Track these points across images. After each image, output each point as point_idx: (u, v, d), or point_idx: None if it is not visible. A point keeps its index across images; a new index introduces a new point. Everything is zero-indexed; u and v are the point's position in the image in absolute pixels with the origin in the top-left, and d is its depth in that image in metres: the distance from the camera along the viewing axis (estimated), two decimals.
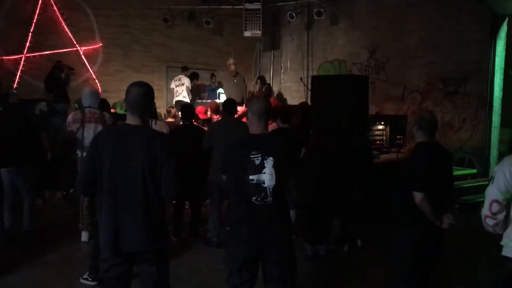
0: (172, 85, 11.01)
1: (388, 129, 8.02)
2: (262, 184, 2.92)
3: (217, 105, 7.82)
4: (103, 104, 5.72)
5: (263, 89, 10.96)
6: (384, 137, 8.04)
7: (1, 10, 10.12)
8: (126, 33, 11.78)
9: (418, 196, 3.27)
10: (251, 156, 2.93)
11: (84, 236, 5.60)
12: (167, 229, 3.04)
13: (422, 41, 9.74)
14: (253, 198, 2.93)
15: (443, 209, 3.39)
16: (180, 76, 10.99)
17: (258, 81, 11.45)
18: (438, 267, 3.58)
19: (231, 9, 11.99)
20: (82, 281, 4.41)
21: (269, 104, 3.20)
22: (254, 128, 3.08)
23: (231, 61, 10.56)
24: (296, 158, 3.27)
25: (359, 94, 6.91)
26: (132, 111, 2.83)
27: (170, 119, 9.19)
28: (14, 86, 10.04)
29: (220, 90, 11.25)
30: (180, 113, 6.84)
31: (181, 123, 6.33)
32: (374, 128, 7.95)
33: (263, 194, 2.93)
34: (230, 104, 5.67)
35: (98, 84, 11.17)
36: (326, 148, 5.39)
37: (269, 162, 2.92)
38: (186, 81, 10.86)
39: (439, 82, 9.51)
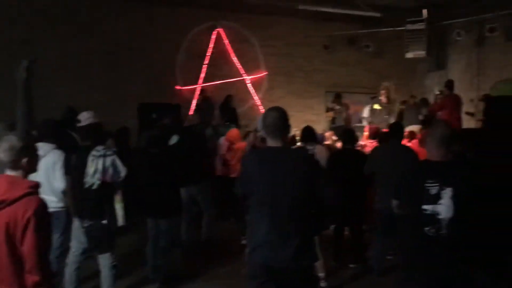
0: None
1: None
2: (437, 216, 2.76)
3: (377, 130, 7.65)
4: None
5: (425, 112, 10.35)
6: None
7: (181, 47, 11.47)
8: (289, 61, 12.37)
9: None
10: (426, 184, 2.80)
11: None
12: (315, 250, 3.06)
13: None
14: (426, 229, 2.79)
15: None
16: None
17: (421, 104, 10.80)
18: None
19: (392, 31, 11.75)
20: None
21: (451, 130, 3.02)
22: (433, 154, 2.93)
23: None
24: (478, 190, 3.00)
25: None
26: (273, 134, 2.95)
27: (328, 142, 9.34)
28: (190, 113, 11.23)
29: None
30: (341, 137, 6.87)
31: (341, 147, 6.37)
32: None
33: (437, 226, 2.77)
34: (396, 129, 5.55)
35: (262, 110, 11.83)
36: (506, 177, 4.88)
37: (447, 193, 2.75)
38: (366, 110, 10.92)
39: None
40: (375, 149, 6.12)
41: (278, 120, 2.95)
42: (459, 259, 2.83)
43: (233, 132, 7.44)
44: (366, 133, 9.11)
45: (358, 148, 7.47)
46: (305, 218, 2.88)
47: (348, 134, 6.11)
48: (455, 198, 2.74)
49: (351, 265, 5.75)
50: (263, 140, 4.88)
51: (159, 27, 11.11)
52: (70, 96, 9.81)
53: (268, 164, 2.92)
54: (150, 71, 10.95)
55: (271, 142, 2.98)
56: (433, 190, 2.78)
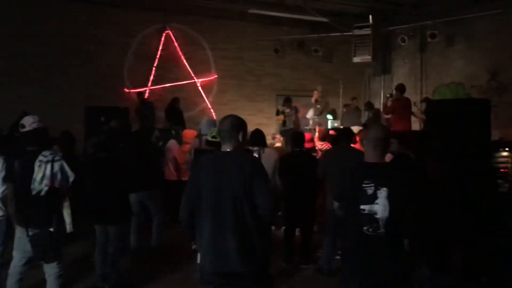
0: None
1: None
2: (374, 215, 2.85)
3: (325, 132, 7.81)
4: None
5: (371, 115, 10.78)
6: (509, 165, 7.42)
7: (130, 49, 11.25)
8: (240, 64, 12.42)
9: None
10: (363, 185, 2.88)
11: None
12: (267, 253, 3.08)
13: None
14: (364, 228, 2.87)
15: None
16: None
17: (366, 107, 11.32)
18: None
19: (341, 36, 12.05)
20: None
21: (386, 132, 3.14)
22: (369, 156, 3.03)
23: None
24: (414, 189, 3.13)
25: (479, 118, 6.47)
26: (223, 139, 3.08)
27: (278, 144, 9.48)
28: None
29: (329, 116, 11.27)
30: (290, 140, 6.96)
31: (291, 149, 6.44)
32: (498, 155, 7.38)
33: (375, 225, 2.86)
34: (347, 132, 5.72)
35: (213, 113, 11.81)
36: (446, 176, 5.12)
37: (382, 193, 2.84)
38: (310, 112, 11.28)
39: None
40: (326, 152, 6.25)
41: (229, 126, 3.06)
42: (397, 257, 2.92)
43: (191, 133, 7.35)
44: (317, 134, 9.30)
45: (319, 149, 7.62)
46: (248, 222, 2.90)
47: (297, 137, 6.20)
48: (390, 197, 2.83)
49: (302, 266, 5.82)
50: (209, 143, 4.94)
51: (106, 28, 10.86)
52: (12, 101, 9.43)
53: (214, 168, 3.00)
54: (97, 73, 10.68)
55: (224, 147, 3.09)
56: (370, 191, 2.87)
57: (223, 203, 2.90)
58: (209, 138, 4.85)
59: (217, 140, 4.74)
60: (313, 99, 11.08)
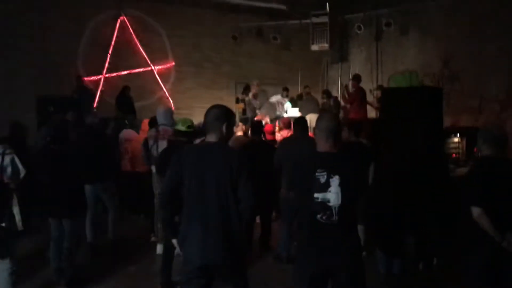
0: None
1: (464, 141, 7.68)
2: (327, 203, 2.88)
3: (289, 120, 7.83)
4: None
5: (331, 103, 10.91)
6: (460, 150, 7.72)
7: (83, 36, 10.87)
8: (197, 51, 12.25)
9: (474, 211, 3.25)
10: (316, 174, 2.91)
11: (159, 249, 5.77)
12: (245, 245, 3.12)
13: (502, 49, 9.22)
14: (318, 216, 2.90)
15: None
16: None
17: (324, 95, 11.41)
18: None
19: (298, 23, 12.07)
20: None
21: (338, 121, 3.17)
22: (321, 145, 3.03)
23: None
24: (366, 176, 3.20)
25: (432, 106, 6.67)
26: (208, 130, 3.07)
27: (240, 133, 9.45)
28: (94, 106, 10.69)
29: (288, 104, 11.31)
30: (250, 128, 6.96)
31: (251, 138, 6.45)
32: (450, 141, 7.65)
33: (328, 212, 2.89)
34: (303, 121, 5.74)
35: (171, 101, 11.63)
36: (400, 162, 5.25)
37: (334, 181, 2.87)
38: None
39: None
40: (282, 141, 6.27)
41: (213, 117, 3.06)
42: (350, 243, 2.97)
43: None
44: (277, 128, 9.34)
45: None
46: (232, 214, 2.93)
47: (255, 125, 6.21)
48: (342, 185, 2.87)
49: (261, 254, 5.87)
50: (180, 133, 4.81)
51: (57, 14, 10.42)
52: None
53: (198, 159, 2.99)
54: (49, 61, 10.25)
55: (208, 137, 3.09)
56: (322, 179, 2.89)
57: (208, 194, 2.92)
58: (183, 129, 4.74)
59: (191, 130, 4.72)
60: (251, 95, 10.96)
